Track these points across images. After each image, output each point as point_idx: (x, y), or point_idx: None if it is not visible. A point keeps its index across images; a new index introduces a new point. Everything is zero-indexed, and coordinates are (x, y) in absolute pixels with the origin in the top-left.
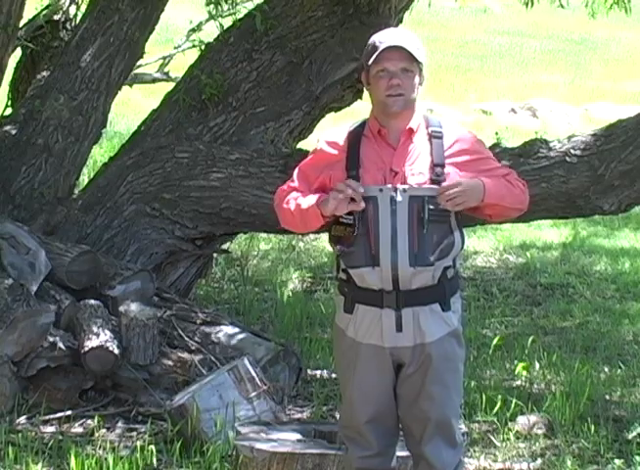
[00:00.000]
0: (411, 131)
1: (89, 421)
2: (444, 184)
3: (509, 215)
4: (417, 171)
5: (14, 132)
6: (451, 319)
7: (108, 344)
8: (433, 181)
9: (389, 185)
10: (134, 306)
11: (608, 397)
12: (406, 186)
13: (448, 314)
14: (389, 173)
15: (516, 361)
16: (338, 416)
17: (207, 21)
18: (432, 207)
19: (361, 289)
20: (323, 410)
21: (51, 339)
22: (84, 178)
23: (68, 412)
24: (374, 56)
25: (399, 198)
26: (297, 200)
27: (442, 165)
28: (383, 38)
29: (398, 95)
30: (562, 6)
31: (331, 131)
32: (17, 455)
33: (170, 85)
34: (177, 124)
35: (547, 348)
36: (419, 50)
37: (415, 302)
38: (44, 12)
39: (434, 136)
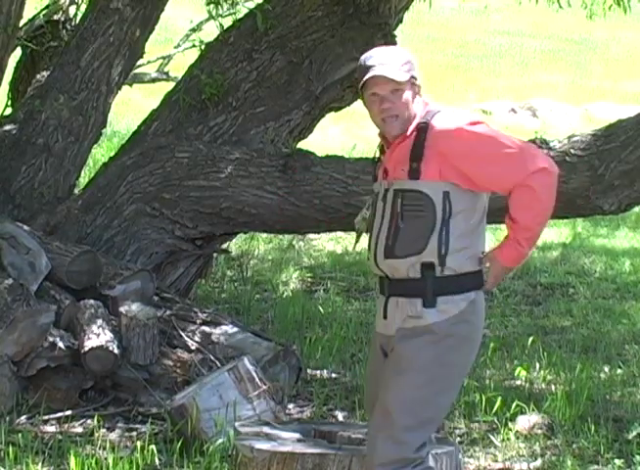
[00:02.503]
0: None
1: (89, 421)
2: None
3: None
4: (399, 167)
5: (14, 132)
6: (428, 315)
7: (108, 344)
8: (410, 176)
9: (383, 181)
10: (134, 306)
11: (608, 397)
12: (391, 181)
13: (429, 311)
14: (384, 171)
15: (516, 361)
16: (338, 416)
17: (207, 21)
18: (406, 201)
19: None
20: (323, 410)
21: (51, 339)
22: (84, 178)
23: (68, 412)
24: (361, 83)
25: (388, 193)
26: None
27: (419, 160)
28: (369, 61)
29: (392, 116)
30: (560, 6)
31: None
32: (17, 455)
33: (170, 85)
34: (177, 124)
35: (547, 348)
36: (404, 66)
37: (397, 292)
38: (44, 12)
39: (420, 129)
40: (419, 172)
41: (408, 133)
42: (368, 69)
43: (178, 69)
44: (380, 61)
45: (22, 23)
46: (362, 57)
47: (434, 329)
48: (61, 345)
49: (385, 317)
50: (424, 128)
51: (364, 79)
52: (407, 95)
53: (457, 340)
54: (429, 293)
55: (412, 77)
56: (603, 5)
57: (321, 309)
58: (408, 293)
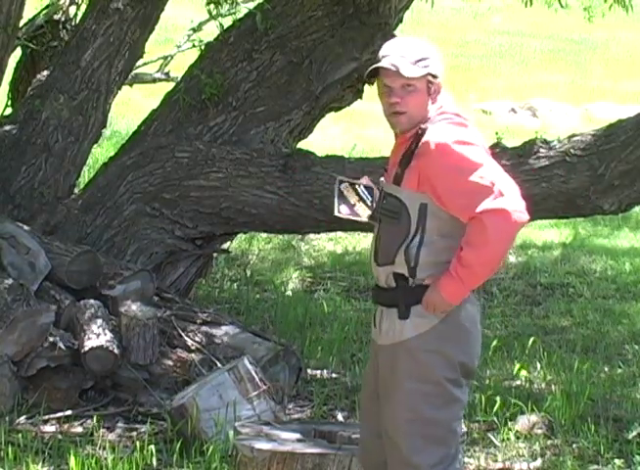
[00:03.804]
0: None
1: (89, 421)
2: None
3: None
4: (393, 169)
5: (14, 132)
6: (404, 330)
7: (108, 344)
8: (394, 180)
9: (381, 180)
10: (134, 306)
11: (608, 396)
12: (384, 182)
13: (404, 323)
14: (386, 172)
15: (516, 361)
16: (338, 416)
17: (208, 21)
18: (387, 206)
19: None
20: (323, 410)
21: (51, 339)
22: (84, 178)
23: (68, 412)
24: (372, 70)
25: (381, 194)
26: None
27: (404, 167)
28: (386, 49)
29: (399, 113)
30: (562, 6)
31: None
32: (17, 455)
33: (170, 85)
34: (177, 124)
35: (547, 348)
36: (421, 62)
37: (380, 300)
38: (44, 12)
39: (417, 135)
40: (402, 179)
41: (408, 136)
42: (383, 56)
43: (178, 69)
44: (397, 51)
45: (22, 23)
46: (387, 42)
47: (409, 345)
48: (61, 345)
49: (375, 325)
50: (420, 135)
51: (374, 67)
52: (420, 93)
53: (433, 356)
54: (401, 303)
55: (429, 74)
56: (604, 2)
57: (325, 307)
58: (387, 302)
